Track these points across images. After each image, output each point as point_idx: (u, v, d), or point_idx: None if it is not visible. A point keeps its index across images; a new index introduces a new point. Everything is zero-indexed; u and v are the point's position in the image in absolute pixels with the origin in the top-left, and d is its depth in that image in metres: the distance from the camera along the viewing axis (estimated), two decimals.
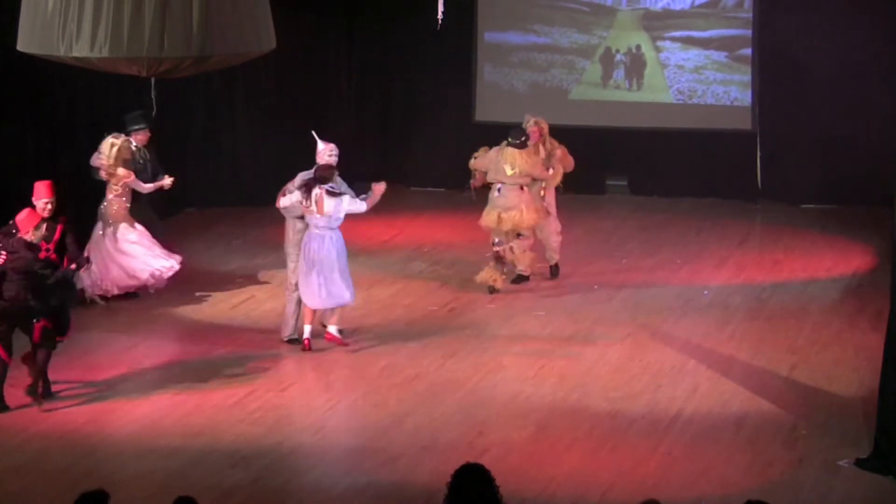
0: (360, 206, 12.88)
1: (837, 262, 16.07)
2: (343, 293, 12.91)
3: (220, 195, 18.45)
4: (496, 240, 14.66)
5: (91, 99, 16.05)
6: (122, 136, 14.34)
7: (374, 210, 18.46)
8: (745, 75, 19.06)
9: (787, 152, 18.92)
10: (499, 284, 14.72)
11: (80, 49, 8.96)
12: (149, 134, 14.78)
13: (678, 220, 18.09)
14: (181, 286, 14.94)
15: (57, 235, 11.59)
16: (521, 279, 15.05)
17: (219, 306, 14.45)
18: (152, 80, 9.46)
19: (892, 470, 10.20)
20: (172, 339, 13.45)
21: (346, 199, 12.80)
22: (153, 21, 8.82)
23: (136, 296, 14.57)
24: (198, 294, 14.84)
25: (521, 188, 14.55)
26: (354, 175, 19.18)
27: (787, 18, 18.65)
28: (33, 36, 9.23)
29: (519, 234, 14.64)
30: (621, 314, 14.16)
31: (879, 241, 15.96)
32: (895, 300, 10.32)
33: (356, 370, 12.56)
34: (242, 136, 18.83)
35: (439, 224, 17.74)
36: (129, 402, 11.73)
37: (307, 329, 12.96)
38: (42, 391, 11.70)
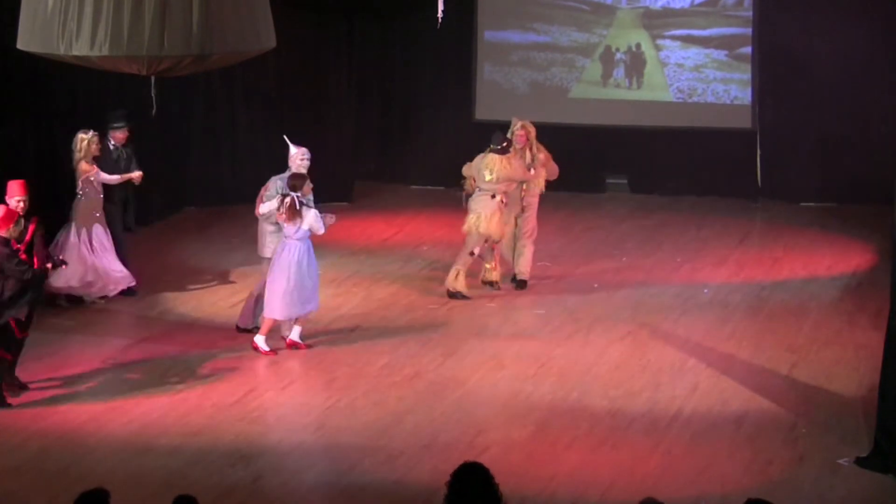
0: (319, 229, 12.79)
1: (837, 260, 16.07)
2: (305, 305, 12.89)
3: (219, 194, 18.46)
4: (476, 250, 14.57)
5: (91, 98, 16.04)
6: (91, 131, 14.30)
7: (374, 208, 18.59)
8: (745, 74, 19.06)
9: (787, 150, 18.93)
10: (496, 277, 14.68)
11: (80, 48, 8.96)
12: (127, 132, 14.72)
13: (678, 218, 18.09)
14: (181, 285, 14.96)
15: (28, 236, 11.59)
16: (522, 284, 14.99)
17: (219, 305, 14.45)
18: (152, 78, 9.43)
19: (892, 468, 10.19)
20: (172, 337, 13.44)
21: (311, 216, 12.72)
22: (153, 19, 8.82)
23: (132, 293, 14.55)
24: (197, 293, 14.84)
25: (493, 196, 14.41)
26: (355, 174, 19.34)
27: (787, 17, 18.66)
28: (33, 34, 9.23)
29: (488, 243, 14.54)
30: (621, 312, 14.15)
31: (880, 240, 15.98)
32: (895, 299, 10.32)
33: (356, 368, 12.55)
34: (242, 135, 18.83)
35: (439, 222, 17.72)
36: (129, 401, 11.72)
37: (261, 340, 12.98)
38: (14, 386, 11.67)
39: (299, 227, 12.72)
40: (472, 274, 14.70)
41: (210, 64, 9.48)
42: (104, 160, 14.40)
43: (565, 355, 12.89)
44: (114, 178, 14.44)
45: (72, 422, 11.28)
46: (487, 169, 14.33)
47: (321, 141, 18.57)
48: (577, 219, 17.81)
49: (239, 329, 13.38)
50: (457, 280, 14.50)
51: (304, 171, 13.06)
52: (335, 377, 12.39)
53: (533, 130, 14.72)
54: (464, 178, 14.72)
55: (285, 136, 13.35)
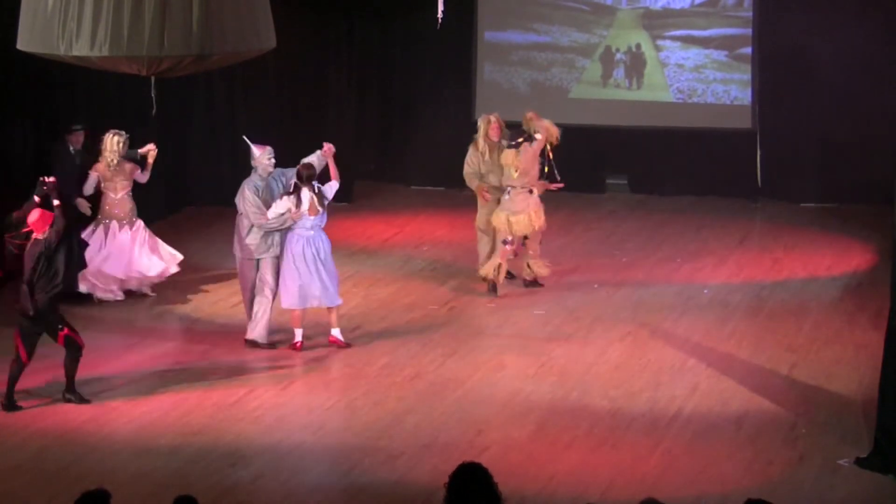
0: (334, 185, 13.02)
1: (837, 260, 16.07)
2: (332, 295, 12.93)
3: (219, 193, 18.43)
4: (509, 238, 14.54)
5: (91, 98, 16.04)
6: (122, 131, 14.30)
7: (374, 208, 18.59)
8: (745, 74, 19.06)
9: (788, 151, 18.92)
10: (499, 280, 14.68)
11: (80, 48, 8.96)
12: (84, 135, 14.63)
13: (678, 218, 18.09)
14: (182, 285, 14.96)
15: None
16: (534, 284, 14.98)
17: (219, 305, 14.45)
18: (152, 78, 9.44)
19: (892, 469, 10.20)
20: (172, 338, 13.46)
21: (330, 187, 12.84)
22: (153, 20, 8.83)
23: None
24: (198, 293, 14.84)
25: (530, 191, 14.46)
26: (355, 174, 19.33)
27: (788, 17, 18.65)
28: (33, 35, 9.24)
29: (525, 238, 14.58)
30: (621, 312, 14.16)
31: (880, 240, 15.98)
32: (895, 299, 10.32)
33: (356, 369, 12.56)
34: (242, 135, 18.81)
35: (439, 223, 17.74)
36: (129, 401, 11.73)
37: (299, 332, 12.94)
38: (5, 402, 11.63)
39: (323, 212, 12.71)
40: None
41: (210, 64, 9.49)
42: (64, 164, 14.25)
43: (565, 355, 12.90)
44: (146, 175, 14.45)
45: (72, 422, 11.29)
46: (510, 167, 14.36)
47: (321, 141, 18.58)
48: (577, 219, 17.81)
49: (272, 346, 13.15)
50: (540, 267, 14.61)
51: (271, 169, 13.08)
52: (335, 377, 12.40)
53: (500, 119, 14.75)
54: (479, 183, 14.73)
55: (245, 137, 13.35)
